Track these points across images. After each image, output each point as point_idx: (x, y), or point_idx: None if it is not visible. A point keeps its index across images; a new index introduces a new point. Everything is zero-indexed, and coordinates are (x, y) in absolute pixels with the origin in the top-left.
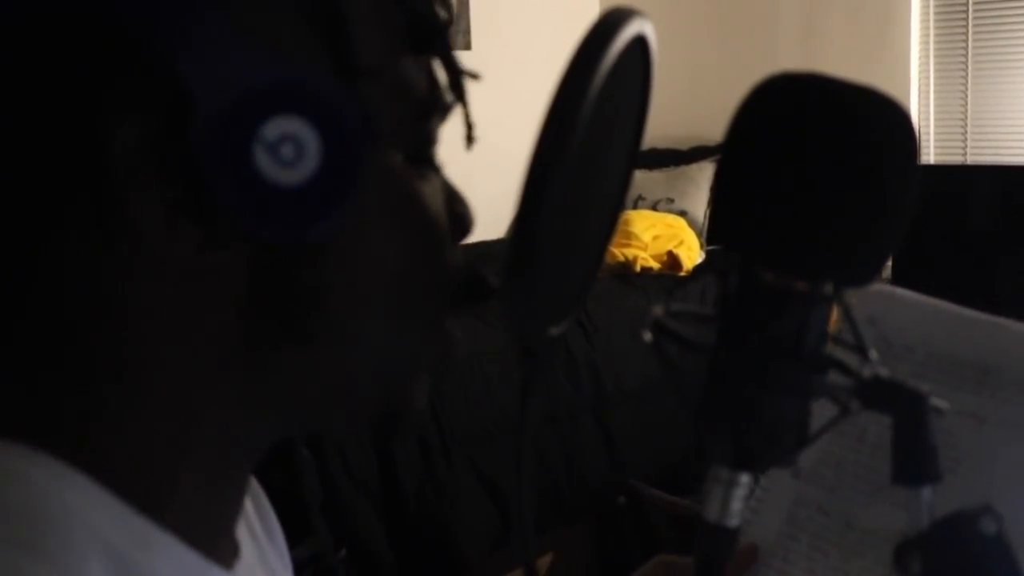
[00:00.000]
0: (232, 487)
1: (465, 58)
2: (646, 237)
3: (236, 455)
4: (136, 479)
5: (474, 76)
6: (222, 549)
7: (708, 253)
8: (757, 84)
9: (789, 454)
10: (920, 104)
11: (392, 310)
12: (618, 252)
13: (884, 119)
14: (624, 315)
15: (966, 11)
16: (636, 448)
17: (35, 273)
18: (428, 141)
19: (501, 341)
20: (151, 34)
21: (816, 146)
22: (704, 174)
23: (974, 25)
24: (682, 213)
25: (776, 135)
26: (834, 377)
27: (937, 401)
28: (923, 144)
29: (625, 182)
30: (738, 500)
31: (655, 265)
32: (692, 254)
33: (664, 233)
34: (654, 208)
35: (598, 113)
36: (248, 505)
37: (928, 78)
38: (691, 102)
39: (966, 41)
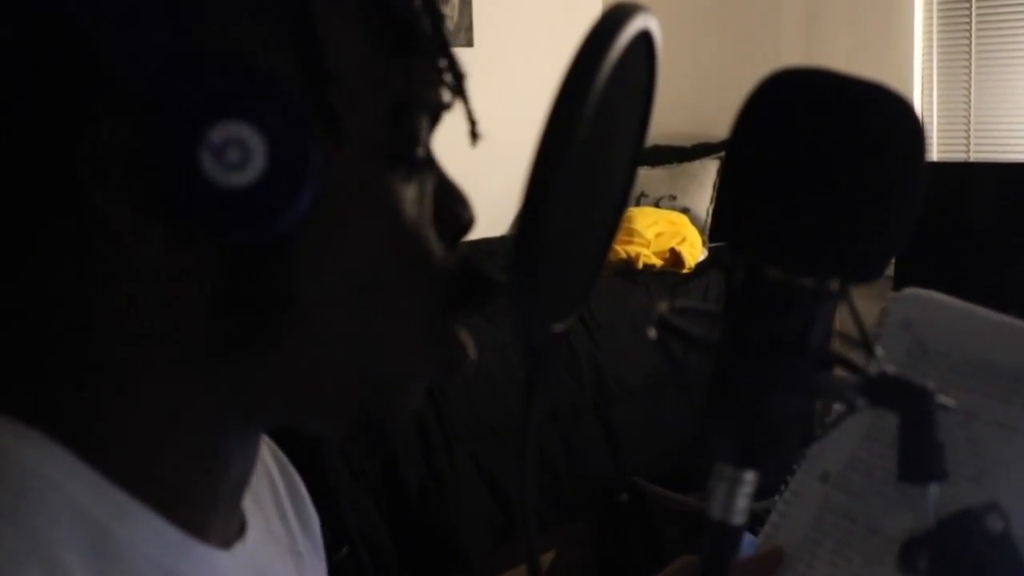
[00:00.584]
0: (227, 467)
1: (468, 55)
2: (649, 234)
3: (227, 437)
4: (117, 456)
5: (463, 75)
6: (217, 528)
7: (711, 250)
8: (762, 79)
9: (794, 451)
10: (923, 101)
11: (368, 310)
12: (621, 249)
13: (891, 113)
14: (627, 312)
15: (969, 8)
16: (638, 445)
17: (26, 269)
18: (410, 141)
19: (504, 337)
20: (111, 46)
21: (822, 141)
22: (707, 171)
23: (977, 22)
24: (685, 210)
25: (781, 130)
26: (840, 374)
27: (944, 398)
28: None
29: (629, 178)
30: (743, 498)
31: (658, 262)
32: (695, 251)
33: (667, 230)
34: (657, 205)
35: (602, 109)
36: (283, 492)
37: (931, 75)
38: (694, 99)
39: (969, 38)
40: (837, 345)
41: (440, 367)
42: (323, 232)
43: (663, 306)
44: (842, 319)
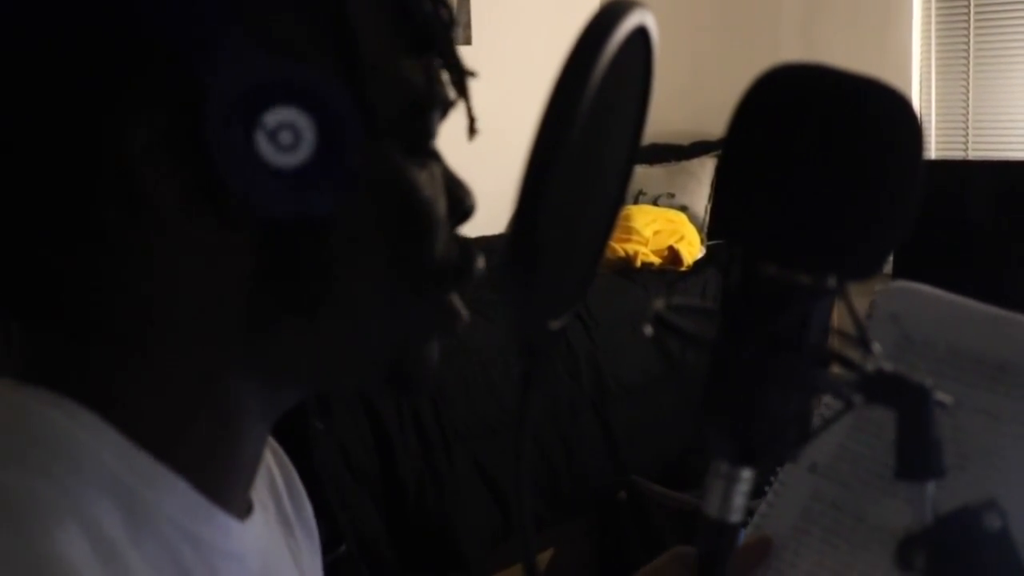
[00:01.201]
0: (246, 444)
1: (466, 53)
2: (647, 232)
3: (250, 413)
4: (151, 426)
5: (472, 74)
6: (235, 502)
7: (709, 248)
8: (760, 75)
9: (791, 449)
10: (921, 99)
11: (389, 283)
12: (619, 247)
13: (888, 109)
14: (625, 310)
15: (968, 5)
16: (636, 443)
17: (75, 247)
18: (426, 134)
19: (502, 336)
20: (171, 38)
21: (819, 137)
22: (705, 169)
23: (976, 20)
24: (683, 208)
25: (779, 126)
26: (837, 371)
27: (942, 395)
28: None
29: (626, 176)
30: (739, 495)
31: (656, 260)
32: (693, 249)
33: (665, 228)
34: (655, 203)
35: (598, 105)
36: (280, 483)
37: (929, 73)
38: (692, 97)
39: (968, 35)
40: (834, 342)
41: (444, 329)
42: (355, 213)
43: (660, 303)
44: (839, 316)
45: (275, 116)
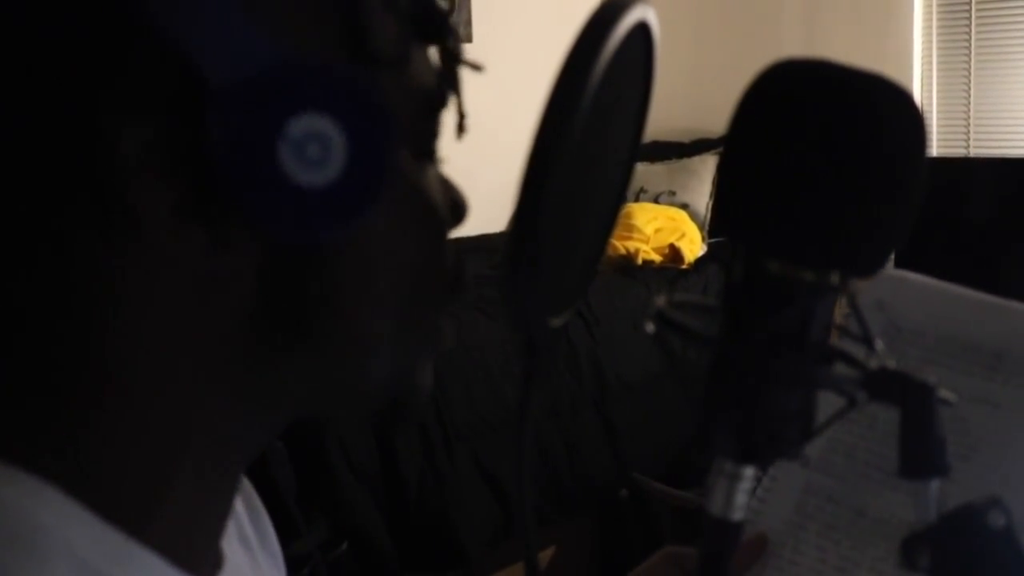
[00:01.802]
0: (224, 495)
1: (466, 50)
2: (648, 230)
3: (232, 460)
4: (119, 495)
5: (477, 68)
6: (208, 562)
7: (710, 246)
8: (763, 70)
9: (794, 447)
10: (923, 96)
11: (401, 307)
12: (620, 245)
13: (892, 104)
14: (626, 308)
15: (969, 2)
16: (638, 441)
17: (35, 271)
18: (433, 135)
19: (502, 333)
20: (165, 21)
21: (822, 133)
22: (706, 167)
23: (977, 17)
24: (684, 206)
25: (782, 121)
26: (840, 368)
27: (945, 393)
28: None
29: (627, 173)
30: (742, 493)
31: (657, 258)
32: (694, 247)
33: (666, 226)
34: (656, 201)
35: (599, 101)
36: (240, 507)
37: (931, 70)
38: (693, 95)
39: (969, 33)
40: (837, 339)
41: (434, 348)
42: (369, 231)
43: (661, 300)
44: (841, 313)
45: (302, 124)
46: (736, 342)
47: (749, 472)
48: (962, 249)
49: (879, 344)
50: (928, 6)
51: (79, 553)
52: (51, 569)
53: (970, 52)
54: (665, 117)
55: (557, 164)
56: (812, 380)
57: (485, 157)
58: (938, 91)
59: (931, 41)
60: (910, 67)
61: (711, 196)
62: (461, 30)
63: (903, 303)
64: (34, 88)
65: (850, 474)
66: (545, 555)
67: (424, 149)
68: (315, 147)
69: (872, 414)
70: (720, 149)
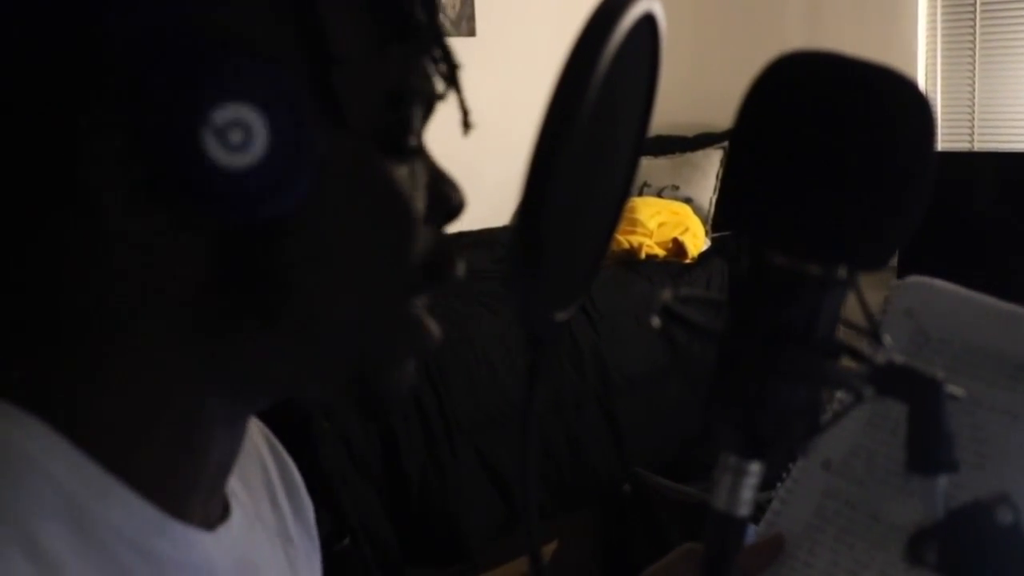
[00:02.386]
0: (211, 450)
1: (470, 45)
2: (651, 224)
3: (215, 419)
4: (101, 436)
5: (457, 66)
6: (199, 509)
7: (714, 240)
8: (770, 62)
9: (800, 442)
10: (927, 90)
11: (357, 292)
12: (623, 239)
13: (900, 96)
14: (629, 303)
15: None
16: (641, 436)
17: (22, 248)
18: (404, 128)
19: (506, 327)
20: (114, 26)
21: (830, 125)
22: (710, 161)
23: (982, 10)
24: (687, 200)
25: (789, 114)
26: (847, 363)
27: (953, 388)
28: None
29: (632, 166)
30: (748, 489)
31: (660, 252)
32: (697, 241)
33: (669, 220)
34: (659, 195)
35: (604, 95)
36: (275, 476)
37: (935, 64)
38: (697, 89)
39: (973, 27)
40: (844, 334)
41: (417, 344)
42: (319, 215)
43: (667, 294)
44: (849, 307)
45: (223, 113)
46: (742, 337)
47: (754, 467)
48: (967, 243)
49: (886, 339)
50: (932, 0)
51: (61, 483)
52: (30, 493)
53: (974, 46)
54: (668, 111)
55: (562, 158)
56: (818, 375)
57: (489, 152)
58: (942, 85)
59: (935, 35)
60: (914, 61)
61: (715, 190)
62: (464, 25)
63: (932, 311)
64: None
65: (869, 479)
66: (548, 549)
67: (393, 141)
68: (237, 133)
69: (895, 420)
70: (724, 143)
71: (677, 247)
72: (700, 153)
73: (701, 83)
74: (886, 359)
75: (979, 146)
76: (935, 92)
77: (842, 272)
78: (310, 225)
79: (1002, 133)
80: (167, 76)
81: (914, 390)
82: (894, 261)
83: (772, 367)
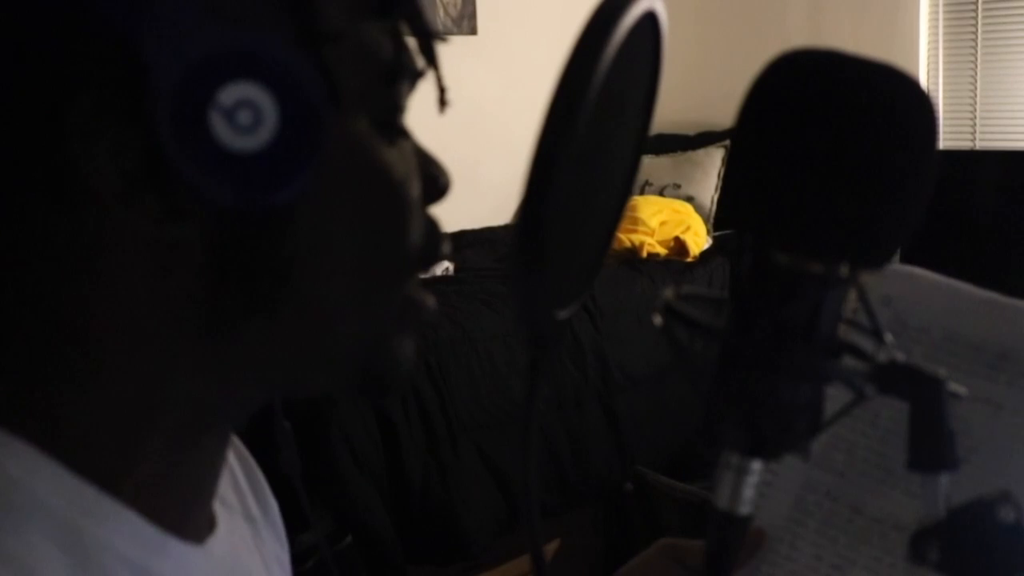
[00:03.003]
0: (204, 458)
1: (471, 43)
2: (653, 223)
3: (207, 423)
4: (93, 451)
5: (442, 39)
6: (192, 523)
7: (715, 239)
8: (771, 60)
9: (802, 440)
10: (929, 89)
11: (359, 278)
12: (625, 238)
13: (903, 95)
14: (631, 301)
15: None
16: (643, 434)
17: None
18: (395, 107)
19: (507, 325)
20: (106, 3)
21: (832, 123)
22: (711, 160)
23: (984, 8)
24: (689, 199)
25: (791, 112)
26: (849, 361)
27: (955, 386)
28: None
29: (633, 164)
30: (749, 487)
31: (662, 251)
32: (699, 240)
33: (671, 219)
34: (661, 194)
35: (606, 93)
36: (242, 481)
37: (937, 63)
38: (698, 88)
39: (976, 25)
40: (845, 331)
41: (412, 322)
42: (319, 202)
43: (668, 292)
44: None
45: (231, 93)
46: (743, 334)
47: (756, 466)
48: (968, 241)
49: (888, 337)
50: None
51: (49, 505)
52: (19, 521)
53: (976, 44)
54: (670, 110)
55: (564, 157)
56: (820, 373)
57: (491, 150)
58: (944, 83)
59: (937, 33)
60: (916, 59)
61: (716, 189)
62: (466, 23)
63: (910, 299)
64: None
65: (849, 471)
66: (549, 548)
67: (385, 120)
68: (246, 114)
69: (875, 411)
70: (725, 142)
71: (679, 246)
72: (702, 151)
73: (703, 81)
74: (888, 357)
75: (981, 145)
76: (937, 90)
77: (844, 270)
78: (311, 211)
79: (1004, 132)
80: (168, 51)
81: (916, 389)
82: (896, 259)
83: (774, 365)
